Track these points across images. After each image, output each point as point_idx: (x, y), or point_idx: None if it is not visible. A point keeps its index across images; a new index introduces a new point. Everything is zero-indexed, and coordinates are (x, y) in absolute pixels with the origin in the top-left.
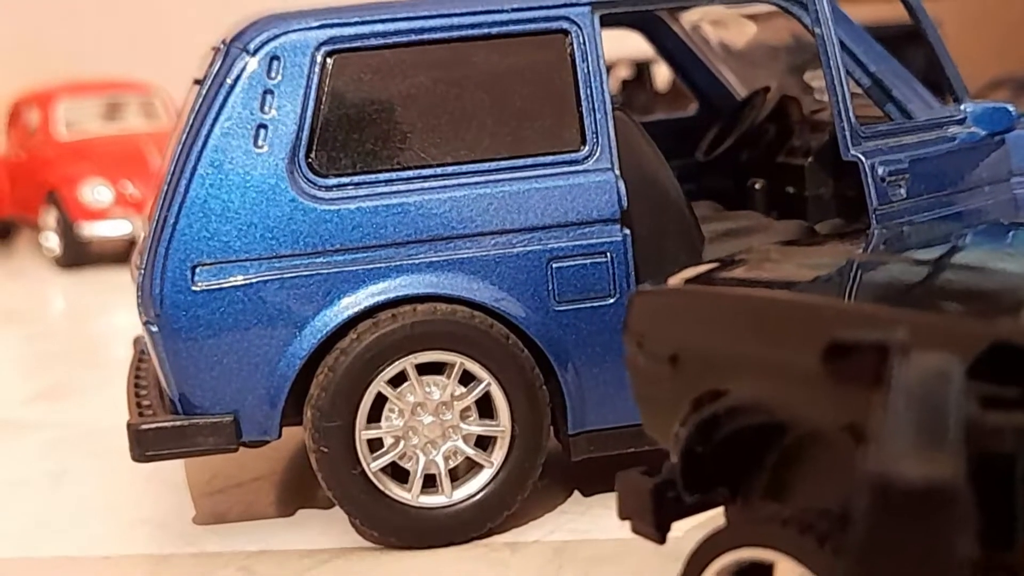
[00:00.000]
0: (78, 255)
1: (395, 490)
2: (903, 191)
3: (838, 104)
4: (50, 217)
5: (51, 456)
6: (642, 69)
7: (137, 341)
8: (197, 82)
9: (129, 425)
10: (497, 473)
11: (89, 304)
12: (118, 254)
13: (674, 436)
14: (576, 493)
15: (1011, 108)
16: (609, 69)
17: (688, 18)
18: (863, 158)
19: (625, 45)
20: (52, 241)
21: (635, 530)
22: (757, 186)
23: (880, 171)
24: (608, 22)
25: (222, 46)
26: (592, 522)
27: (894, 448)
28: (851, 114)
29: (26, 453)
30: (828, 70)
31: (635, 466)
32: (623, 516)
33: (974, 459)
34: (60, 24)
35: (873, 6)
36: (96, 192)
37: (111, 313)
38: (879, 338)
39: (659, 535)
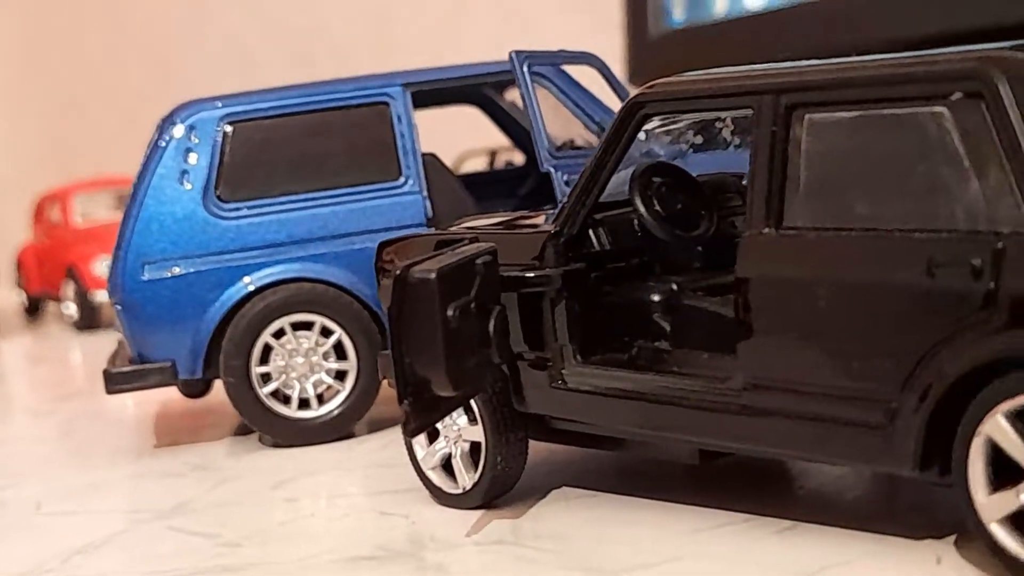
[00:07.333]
0: (92, 318)
1: (280, 408)
2: None
3: (536, 137)
4: (69, 288)
5: (62, 425)
6: None
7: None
8: None
9: (104, 370)
10: (348, 396)
11: (100, 354)
12: None
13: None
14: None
15: None
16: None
17: (510, 96)
18: (553, 170)
19: None
20: (71, 308)
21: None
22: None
23: (564, 177)
24: (445, 101)
25: (160, 122)
26: None
27: (415, 266)
28: (546, 142)
29: (46, 423)
30: (529, 118)
31: None
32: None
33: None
34: (77, 129)
35: None
36: (106, 266)
37: None
38: (458, 239)
39: None
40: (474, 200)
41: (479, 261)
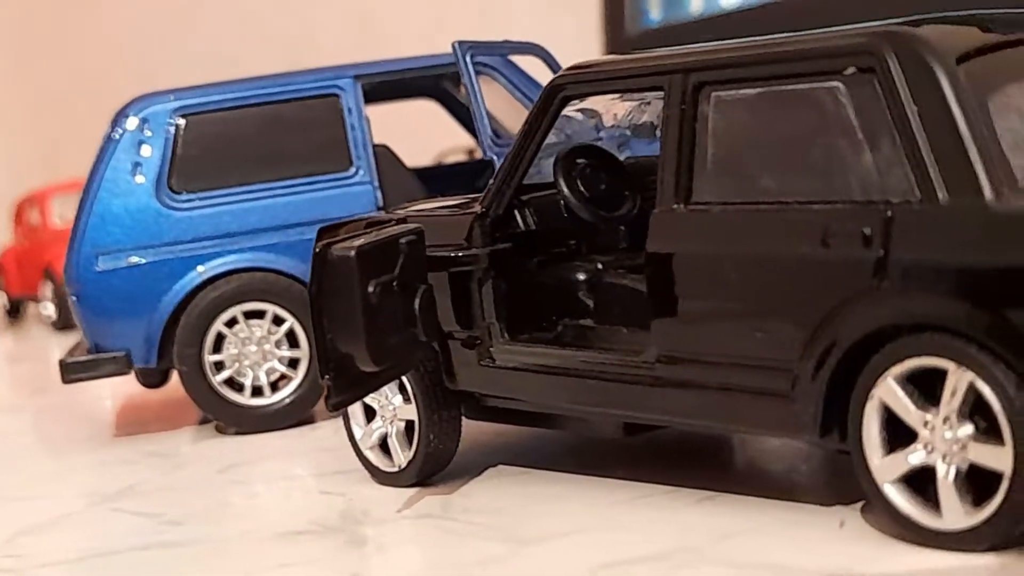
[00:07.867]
0: (69, 318)
1: (233, 396)
2: None
3: (479, 126)
4: (47, 289)
5: (34, 419)
6: None
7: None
8: None
9: (60, 360)
10: (301, 383)
11: None
12: None
13: None
14: None
15: None
16: None
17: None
18: (496, 158)
19: None
20: (49, 309)
21: None
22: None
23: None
24: (403, 95)
25: (114, 115)
26: None
27: (335, 244)
28: (488, 131)
29: (20, 418)
30: (471, 107)
31: None
32: None
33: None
34: (64, 134)
35: None
36: None
37: None
38: (389, 220)
39: None
40: (439, 193)
41: (403, 240)
